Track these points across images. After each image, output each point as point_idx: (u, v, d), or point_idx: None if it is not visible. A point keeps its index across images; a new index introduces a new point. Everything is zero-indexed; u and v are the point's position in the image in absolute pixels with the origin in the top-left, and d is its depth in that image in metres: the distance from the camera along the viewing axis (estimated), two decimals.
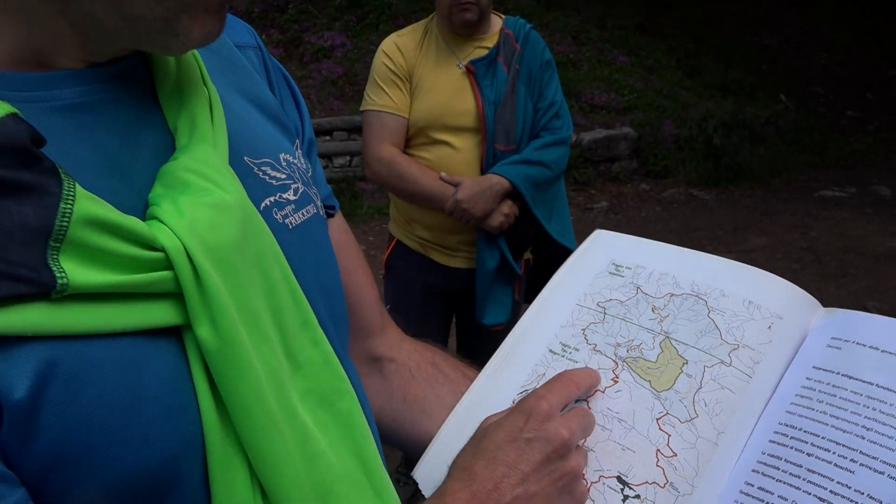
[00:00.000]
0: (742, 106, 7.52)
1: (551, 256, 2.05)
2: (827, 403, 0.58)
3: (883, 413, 0.54)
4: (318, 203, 0.62)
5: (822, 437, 0.55)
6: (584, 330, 0.70)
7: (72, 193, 0.38)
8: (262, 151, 0.56)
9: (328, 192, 0.69)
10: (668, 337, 0.67)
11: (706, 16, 10.51)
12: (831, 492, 0.51)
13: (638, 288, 0.71)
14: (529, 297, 2.12)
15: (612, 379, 0.66)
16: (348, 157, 6.07)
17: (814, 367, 0.62)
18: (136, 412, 0.40)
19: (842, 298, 4.11)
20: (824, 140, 7.46)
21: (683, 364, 0.66)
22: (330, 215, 0.69)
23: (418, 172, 1.91)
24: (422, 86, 1.92)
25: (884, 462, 0.51)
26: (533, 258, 2.12)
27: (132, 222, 0.40)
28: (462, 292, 2.05)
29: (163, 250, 0.40)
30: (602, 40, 8.20)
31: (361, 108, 2.02)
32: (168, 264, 0.41)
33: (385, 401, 0.71)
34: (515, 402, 0.66)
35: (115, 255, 0.39)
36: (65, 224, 0.37)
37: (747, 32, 10.57)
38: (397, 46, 1.96)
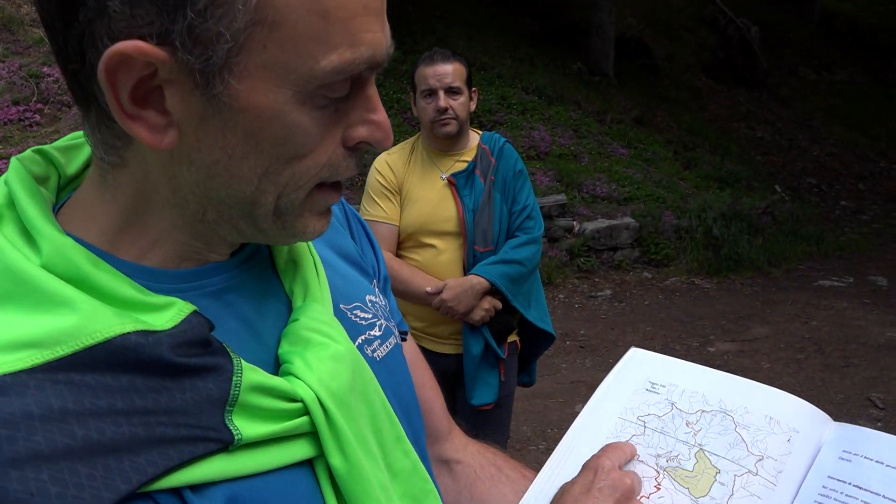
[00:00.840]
0: (739, 196, 7.77)
1: (534, 339, 2.38)
2: None
3: None
4: (396, 333, 0.74)
5: None
6: (627, 442, 0.81)
7: (240, 368, 0.50)
8: (352, 297, 0.68)
9: (400, 319, 0.81)
10: (702, 449, 0.78)
11: (701, 109, 10.96)
12: None
13: (673, 404, 0.82)
14: (521, 371, 2.45)
15: (655, 486, 0.77)
16: None
17: (829, 476, 0.72)
18: None
19: (846, 389, 4.18)
20: (820, 230, 7.67)
21: (717, 473, 0.76)
22: (403, 339, 0.80)
23: (409, 274, 2.19)
24: (410, 197, 2.22)
25: None
26: (519, 339, 2.39)
27: (279, 383, 0.51)
28: (455, 375, 2.30)
29: (301, 401, 0.52)
30: (602, 133, 8.54)
31: None
32: (305, 411, 0.52)
33: (454, 497, 0.82)
34: None
35: (269, 409, 0.50)
36: (236, 393, 0.49)
37: (741, 125, 10.99)
38: (388, 164, 2.28)
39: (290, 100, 0.47)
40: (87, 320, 0.44)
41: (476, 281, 2.15)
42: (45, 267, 0.46)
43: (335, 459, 0.53)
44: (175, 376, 0.47)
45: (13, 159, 0.52)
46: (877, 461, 0.70)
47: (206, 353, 0.49)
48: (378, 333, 0.68)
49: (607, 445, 0.74)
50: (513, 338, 2.35)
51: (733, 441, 0.78)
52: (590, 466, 0.70)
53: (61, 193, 0.56)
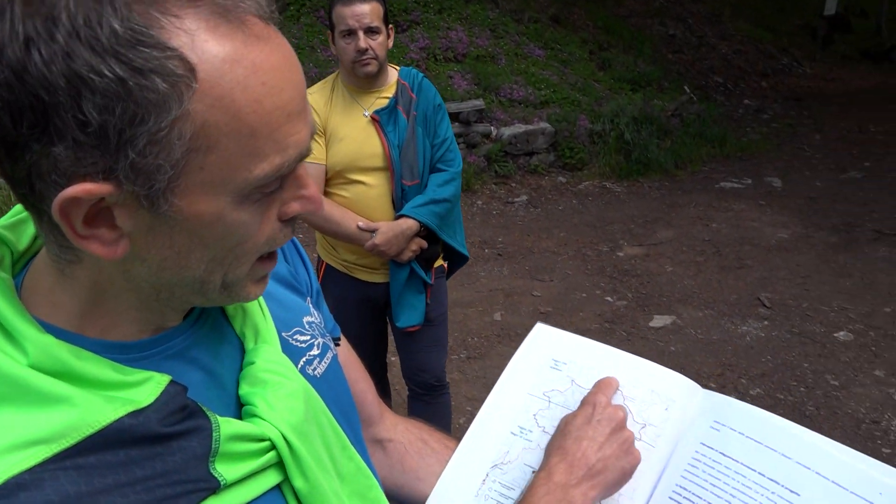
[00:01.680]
0: (650, 99, 7.97)
1: (457, 261, 2.57)
2: (708, 474, 0.82)
3: (745, 486, 0.79)
4: (332, 346, 0.82)
5: (704, 500, 0.80)
6: (535, 415, 0.92)
7: (217, 424, 0.57)
8: (291, 323, 0.75)
9: (333, 325, 0.89)
10: None
11: (616, 5, 10.96)
12: None
13: (573, 381, 0.94)
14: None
15: None
16: None
17: (701, 443, 0.86)
18: None
19: (739, 290, 4.55)
20: (724, 132, 8.02)
21: None
22: (337, 344, 0.88)
23: (340, 216, 2.26)
24: (335, 135, 2.25)
25: None
26: (447, 264, 2.55)
27: (250, 429, 0.60)
28: (385, 302, 2.46)
29: (269, 439, 0.61)
30: (519, 33, 8.47)
31: None
32: (272, 446, 0.61)
33: (388, 471, 0.93)
34: (488, 474, 0.88)
35: (244, 452, 0.59)
36: (217, 446, 0.57)
37: (654, 22, 11.09)
38: (311, 105, 2.20)
39: (228, 204, 0.52)
40: (84, 413, 0.51)
41: (407, 225, 2.25)
42: (33, 367, 0.51)
43: (298, 482, 0.62)
44: (165, 442, 0.54)
45: None
46: (740, 433, 0.84)
47: (186, 416, 0.56)
48: (317, 352, 0.76)
49: (600, 382, 0.87)
50: (439, 262, 2.49)
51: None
52: (588, 402, 0.83)
53: (15, 267, 0.60)
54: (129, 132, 0.46)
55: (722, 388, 3.38)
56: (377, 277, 2.41)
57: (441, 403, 2.68)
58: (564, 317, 4.20)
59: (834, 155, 7.72)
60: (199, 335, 0.64)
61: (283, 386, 0.63)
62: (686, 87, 9.28)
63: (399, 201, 2.29)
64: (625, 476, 0.80)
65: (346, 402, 0.79)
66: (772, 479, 0.79)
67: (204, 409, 0.58)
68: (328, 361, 0.77)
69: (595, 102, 7.58)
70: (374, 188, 2.27)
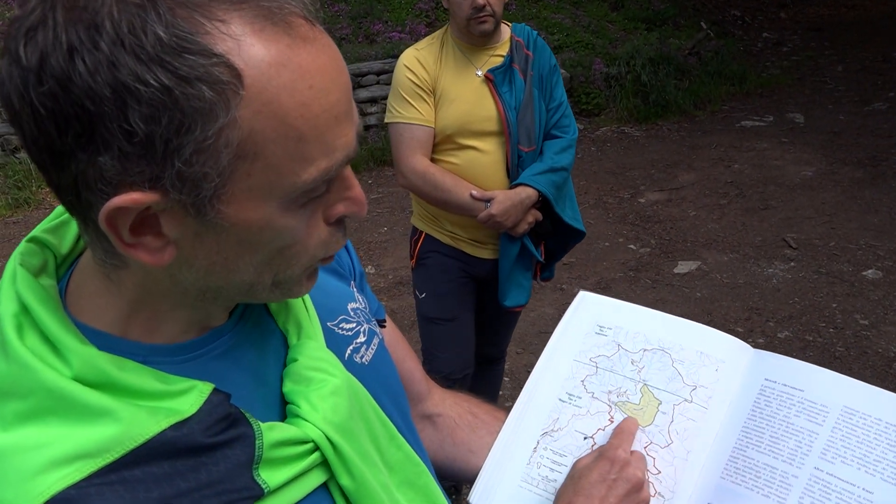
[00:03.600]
0: (666, 38, 7.77)
1: (564, 236, 2.28)
2: (765, 433, 0.82)
3: (800, 443, 0.79)
4: (377, 329, 0.81)
5: (761, 461, 0.80)
6: (582, 381, 0.92)
7: (260, 432, 0.57)
8: (336, 311, 0.74)
9: (378, 306, 0.88)
10: (645, 384, 0.90)
11: None
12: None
13: (619, 345, 0.93)
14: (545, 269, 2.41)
15: (609, 419, 0.89)
16: None
17: (754, 403, 0.86)
18: None
19: (764, 231, 4.49)
20: (743, 68, 7.82)
21: (659, 404, 0.89)
22: (383, 327, 0.88)
23: (452, 184, 2.07)
24: (445, 96, 2.08)
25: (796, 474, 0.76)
26: (545, 242, 2.32)
27: (293, 433, 0.59)
28: (488, 279, 2.27)
29: (312, 441, 0.60)
30: None
31: (387, 121, 2.17)
32: (315, 447, 0.61)
33: (439, 446, 0.93)
34: (539, 442, 0.89)
35: (288, 456, 0.59)
36: (260, 453, 0.56)
37: None
38: (419, 61, 2.10)
39: (275, 210, 0.51)
40: (128, 427, 0.51)
41: (526, 195, 2.07)
42: (77, 379, 0.51)
43: (344, 480, 0.62)
44: (208, 452, 0.54)
45: (15, 265, 0.55)
46: (793, 387, 0.84)
47: (229, 425, 0.56)
48: (363, 339, 0.75)
49: (616, 430, 0.85)
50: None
51: (671, 375, 0.90)
52: (607, 457, 0.81)
53: (59, 270, 0.59)
54: (175, 141, 0.45)
55: (750, 332, 3.38)
56: (485, 253, 2.22)
57: (497, 372, 2.62)
58: (588, 267, 4.19)
59: (857, 86, 7.51)
60: (243, 333, 0.64)
61: (326, 383, 0.63)
62: (703, 24, 9.02)
63: (515, 169, 2.10)
64: None
65: (395, 386, 0.79)
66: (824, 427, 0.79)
67: (247, 415, 0.58)
68: (375, 347, 0.76)
69: (610, 45, 7.41)
70: (487, 154, 2.09)
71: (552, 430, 0.90)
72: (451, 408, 0.97)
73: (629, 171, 5.66)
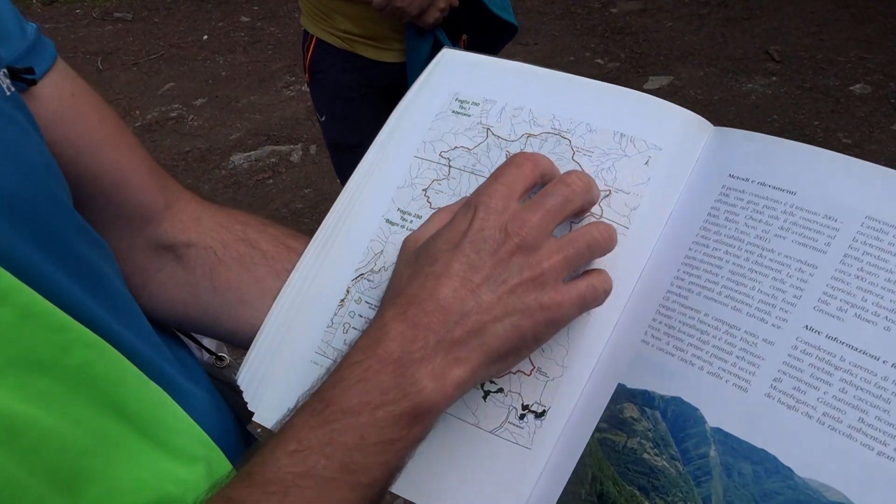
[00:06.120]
0: None
1: (492, 34, 1.82)
2: (723, 269, 0.48)
3: (783, 285, 0.44)
4: None
5: (712, 318, 0.46)
6: (425, 190, 0.56)
7: None
8: None
9: (26, 47, 0.49)
10: None
11: None
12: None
13: (488, 130, 0.56)
14: None
15: None
16: None
17: (709, 216, 0.50)
18: None
19: (746, 43, 4.05)
20: None
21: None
22: (31, 82, 0.48)
23: None
24: None
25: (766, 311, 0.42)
26: (467, 38, 1.86)
27: None
28: (396, 89, 1.80)
29: None
30: None
31: None
32: None
33: (191, 294, 0.58)
34: (349, 290, 0.54)
35: None
36: None
37: None
38: None
39: None
40: None
41: None
42: None
43: None
44: None
45: None
46: (776, 188, 0.48)
47: None
48: None
49: (501, 168, 0.47)
50: (462, 35, 1.84)
51: None
52: (472, 201, 0.45)
53: None
54: None
55: None
56: (388, 56, 1.79)
57: None
58: None
59: None
60: None
61: None
62: None
63: None
64: (538, 338, 0.44)
65: (24, 196, 0.41)
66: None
67: None
68: None
69: None
70: None
71: (371, 270, 0.55)
72: (211, 233, 0.59)
73: None
